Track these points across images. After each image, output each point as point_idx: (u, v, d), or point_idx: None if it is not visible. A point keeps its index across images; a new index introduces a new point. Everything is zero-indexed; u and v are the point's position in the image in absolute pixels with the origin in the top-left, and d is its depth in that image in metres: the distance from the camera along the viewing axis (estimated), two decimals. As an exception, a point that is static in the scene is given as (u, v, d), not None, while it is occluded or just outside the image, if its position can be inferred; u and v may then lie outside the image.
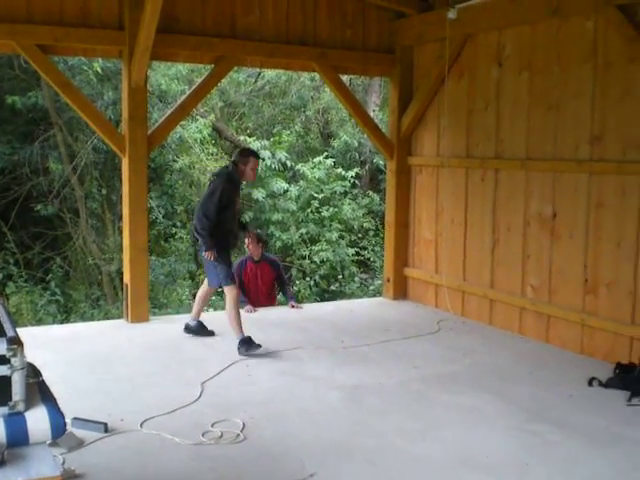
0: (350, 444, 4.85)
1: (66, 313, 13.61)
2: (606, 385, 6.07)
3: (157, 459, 4.58)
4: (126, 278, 8.15)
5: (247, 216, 16.19)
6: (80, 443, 4.70)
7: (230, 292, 7.06)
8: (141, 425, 5.05)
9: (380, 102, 17.77)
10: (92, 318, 13.02)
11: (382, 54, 9.20)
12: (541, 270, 7.51)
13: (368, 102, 17.41)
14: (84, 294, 14.27)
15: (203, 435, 4.92)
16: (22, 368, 2.88)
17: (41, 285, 13.96)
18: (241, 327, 6.96)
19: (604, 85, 6.78)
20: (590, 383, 6.14)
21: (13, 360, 2.86)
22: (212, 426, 5.06)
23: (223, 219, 6.91)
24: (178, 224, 15.47)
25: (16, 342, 2.88)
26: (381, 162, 16.13)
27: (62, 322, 12.59)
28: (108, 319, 12.17)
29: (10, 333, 2.95)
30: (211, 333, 7.59)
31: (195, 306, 7.80)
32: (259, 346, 6.84)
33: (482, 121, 8.22)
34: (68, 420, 4.91)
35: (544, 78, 7.40)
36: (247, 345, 6.85)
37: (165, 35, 7.69)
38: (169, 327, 7.99)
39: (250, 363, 6.61)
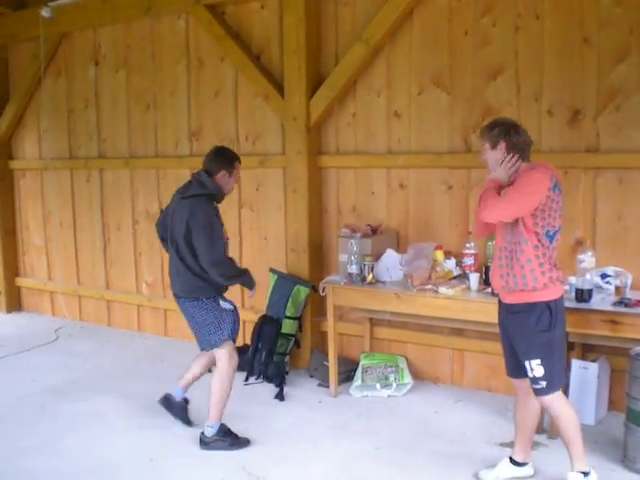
0: (-38, 473, 4.52)
1: None
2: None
3: None
4: None
5: None
6: None
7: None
8: None
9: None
10: None
11: (-26, 53, 8.63)
12: (154, 266, 7.63)
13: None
14: None
15: None
16: None
17: None
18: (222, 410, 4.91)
19: (198, 83, 7.05)
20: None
21: None
22: None
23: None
24: None
25: None
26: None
27: None
28: None
29: None
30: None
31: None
32: (247, 442, 4.89)
33: (83, 121, 8.08)
34: None
35: (141, 76, 7.50)
36: (232, 439, 4.84)
37: None
38: None
39: None
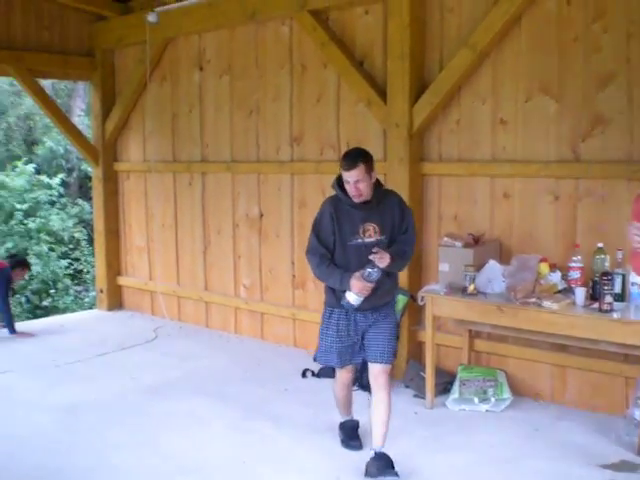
0: (65, 466, 4.63)
1: None
2: (318, 375, 6.35)
3: None
4: None
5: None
6: None
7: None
8: None
9: (85, 107, 17.18)
10: None
11: (82, 57, 8.92)
12: (252, 269, 7.68)
13: (73, 107, 16.80)
14: None
15: None
16: None
17: None
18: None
19: (300, 88, 7.06)
20: (304, 375, 6.40)
21: None
22: None
23: None
24: None
25: None
26: (89, 169, 15.57)
27: None
28: None
29: None
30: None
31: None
32: (359, 446, 4.83)
33: (187, 125, 8.22)
34: None
35: (244, 82, 7.57)
36: (345, 436, 4.91)
37: None
38: None
39: (-50, 393, 6.08)
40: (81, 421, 5.44)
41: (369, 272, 4.13)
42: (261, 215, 7.52)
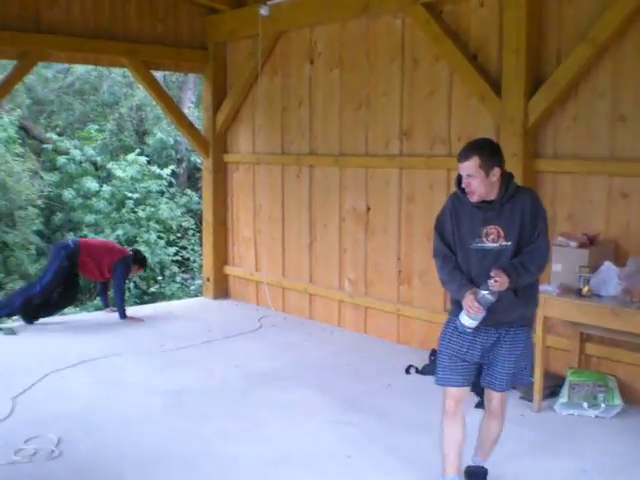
0: (171, 451, 4.72)
1: None
2: (422, 372, 6.29)
3: (-37, 484, 4.27)
4: None
5: (57, 218, 15.51)
6: None
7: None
8: (-55, 448, 4.69)
9: (195, 99, 17.54)
10: None
11: (195, 50, 9.08)
12: (357, 263, 7.68)
13: (183, 99, 17.15)
14: None
15: (16, 454, 4.63)
16: None
17: None
18: None
19: (412, 82, 6.99)
20: (407, 371, 6.35)
21: None
22: (25, 443, 4.77)
23: None
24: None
25: None
26: (198, 160, 15.92)
27: None
28: None
29: None
30: None
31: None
32: None
33: (296, 118, 8.28)
34: None
35: (355, 75, 7.55)
36: None
37: (-38, 29, 7.18)
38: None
39: (65, 374, 6.29)
40: (187, 406, 5.56)
41: (482, 295, 3.61)
42: (368, 209, 7.50)
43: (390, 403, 5.59)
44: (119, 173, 15.42)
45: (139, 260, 8.64)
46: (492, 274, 3.60)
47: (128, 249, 9.30)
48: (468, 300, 3.65)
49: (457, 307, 3.82)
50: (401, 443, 4.84)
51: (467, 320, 3.70)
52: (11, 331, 7.69)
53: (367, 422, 5.18)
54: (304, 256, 8.32)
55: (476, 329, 3.75)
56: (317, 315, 8.21)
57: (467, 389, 3.98)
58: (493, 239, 3.75)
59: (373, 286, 7.52)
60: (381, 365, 6.60)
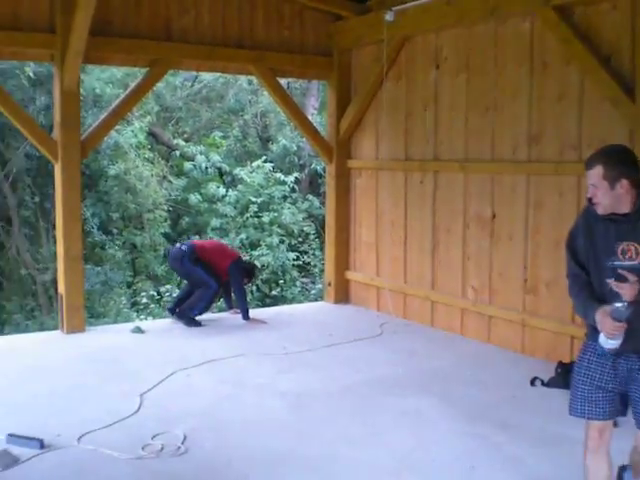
0: (295, 452, 4.76)
1: (0, 325, 13.21)
2: (548, 384, 6.11)
3: (96, 475, 4.42)
4: (60, 288, 7.90)
5: (184, 222, 15.99)
6: (15, 461, 4.53)
7: None
8: (78, 440, 4.87)
9: (318, 105, 17.72)
10: (27, 329, 12.65)
11: (320, 57, 9.15)
12: (481, 271, 7.54)
13: (306, 105, 17.35)
14: (18, 305, 13.87)
15: (143, 449, 4.77)
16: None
17: (-27, 296, 13.54)
18: None
19: (541, 86, 6.82)
20: (532, 383, 6.18)
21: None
22: (152, 439, 4.92)
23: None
24: (114, 231, 15.16)
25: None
26: (320, 166, 16.09)
27: (-5, 334, 12.21)
28: (44, 330, 11.82)
29: None
30: None
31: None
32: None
33: (420, 123, 8.22)
34: (2, 437, 4.76)
35: (481, 80, 7.43)
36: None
37: (98, 38, 7.48)
38: (106, 337, 7.79)
39: (191, 372, 6.46)
40: (309, 409, 5.59)
41: (616, 308, 3.21)
42: (493, 216, 7.35)
43: (515, 415, 5.45)
44: (246, 178, 15.76)
45: (249, 271, 8.87)
46: (618, 278, 3.23)
47: (238, 253, 9.50)
48: (603, 319, 3.27)
49: (594, 330, 3.43)
50: (527, 457, 4.70)
51: (607, 342, 3.31)
52: (139, 330, 7.96)
53: (491, 434, 5.06)
54: (426, 262, 8.24)
55: (616, 354, 3.38)
56: (439, 322, 8.11)
57: (611, 422, 3.54)
58: (630, 256, 3.32)
59: (497, 294, 7.36)
60: (504, 376, 6.46)
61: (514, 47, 7.07)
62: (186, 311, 8.31)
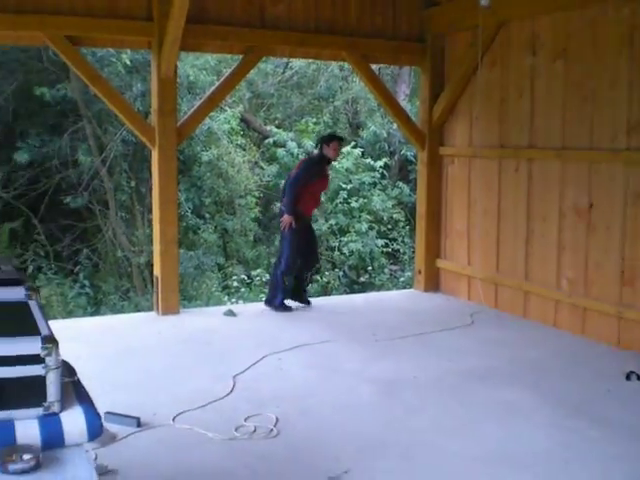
0: (385, 440, 4.77)
1: (96, 305, 13.64)
2: (645, 379, 5.96)
3: (190, 454, 4.54)
4: (156, 270, 8.11)
5: (274, 207, 16.15)
6: (113, 438, 4.66)
7: None
8: (173, 419, 5.02)
9: (410, 92, 17.59)
10: (122, 310, 13.04)
11: (413, 43, 9.08)
12: (577, 262, 7.37)
13: (397, 92, 17.24)
14: (114, 286, 14.30)
15: (236, 430, 4.87)
16: (57, 367, 2.82)
17: (71, 277, 13.99)
18: None
19: (641, 72, 6.63)
20: (628, 377, 6.03)
21: (48, 359, 2.80)
22: (245, 420, 5.02)
23: None
24: (206, 216, 15.45)
25: (51, 341, 2.83)
26: (410, 153, 15.98)
27: (92, 314, 12.62)
28: (138, 311, 12.19)
29: (45, 331, 2.89)
30: None
31: None
32: None
33: (515, 110, 8.07)
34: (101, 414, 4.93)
35: (579, 66, 7.25)
36: None
37: (194, 26, 7.61)
38: (199, 319, 7.98)
39: (282, 356, 6.55)
40: (399, 397, 5.59)
41: None
42: (590, 206, 7.17)
43: (610, 410, 5.33)
44: (335, 164, 15.79)
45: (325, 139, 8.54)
46: None
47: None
48: None
49: None
50: (625, 453, 4.60)
51: None
52: (231, 313, 8.11)
53: (586, 428, 4.96)
54: (520, 252, 8.10)
55: None
56: (531, 313, 7.97)
57: None
58: None
59: (593, 286, 7.19)
60: (599, 370, 6.32)
61: (613, 32, 6.87)
62: (271, 302, 8.41)
